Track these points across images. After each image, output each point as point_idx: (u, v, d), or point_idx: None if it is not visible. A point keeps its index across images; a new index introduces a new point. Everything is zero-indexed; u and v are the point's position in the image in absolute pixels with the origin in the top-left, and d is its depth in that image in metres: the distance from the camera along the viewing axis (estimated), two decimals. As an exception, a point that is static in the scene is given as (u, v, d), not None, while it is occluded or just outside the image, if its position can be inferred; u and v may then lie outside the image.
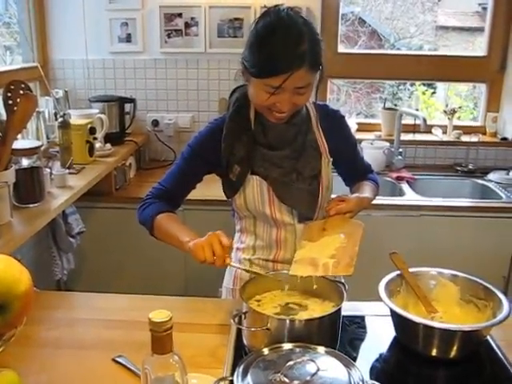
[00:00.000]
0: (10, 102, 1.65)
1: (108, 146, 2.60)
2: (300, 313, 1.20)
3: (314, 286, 1.24)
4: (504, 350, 1.20)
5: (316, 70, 1.31)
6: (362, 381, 0.94)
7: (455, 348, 1.14)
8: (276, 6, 1.32)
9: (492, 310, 1.20)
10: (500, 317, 1.13)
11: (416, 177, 2.86)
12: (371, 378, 1.08)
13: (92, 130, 2.40)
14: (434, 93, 3.85)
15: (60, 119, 2.22)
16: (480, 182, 2.86)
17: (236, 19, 2.88)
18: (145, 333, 0.84)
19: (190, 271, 2.59)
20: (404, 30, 4.03)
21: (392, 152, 2.93)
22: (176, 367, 0.84)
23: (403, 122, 2.95)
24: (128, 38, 2.97)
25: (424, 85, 3.73)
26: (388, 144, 2.94)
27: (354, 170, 1.64)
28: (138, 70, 3.02)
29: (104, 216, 2.61)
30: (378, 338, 1.27)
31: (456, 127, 3.07)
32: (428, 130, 3.04)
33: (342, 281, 1.28)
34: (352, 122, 3.02)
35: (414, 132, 3.03)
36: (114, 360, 1.15)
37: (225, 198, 1.51)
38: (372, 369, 1.15)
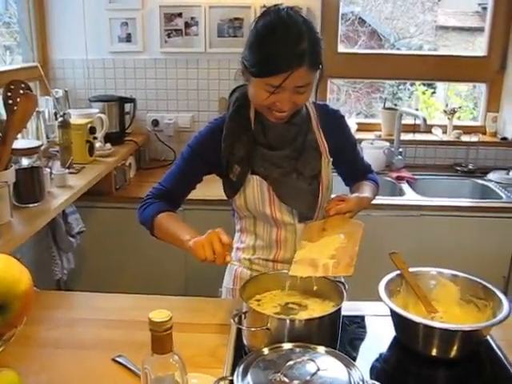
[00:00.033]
0: (10, 101, 1.65)
1: (108, 145, 2.60)
2: (300, 313, 1.20)
3: (315, 288, 1.23)
4: (504, 349, 1.20)
5: (316, 69, 1.31)
6: (362, 381, 0.94)
7: (455, 348, 1.14)
8: (276, 5, 1.32)
9: (492, 310, 1.20)
10: (500, 317, 1.13)
11: (416, 177, 2.87)
12: (371, 378, 1.08)
13: (92, 130, 2.40)
14: (433, 93, 3.85)
15: (60, 119, 2.22)
16: (480, 181, 2.86)
17: (236, 19, 2.88)
18: (145, 332, 0.84)
19: (190, 271, 2.59)
20: (404, 29, 4.03)
21: (392, 152, 2.93)
22: (176, 367, 0.84)
23: (403, 121, 2.95)
24: (128, 38, 2.97)
25: (424, 85, 3.73)
26: (388, 144, 2.94)
27: (353, 169, 1.64)
28: (138, 69, 3.02)
29: (104, 216, 2.61)
30: (378, 337, 1.27)
31: (456, 127, 3.07)
32: (428, 129, 3.04)
33: (342, 280, 1.28)
34: (352, 122, 3.02)
35: (414, 132, 3.03)
36: (113, 360, 1.15)
37: (225, 198, 1.51)
38: (372, 369, 1.15)
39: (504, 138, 3.01)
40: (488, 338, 1.22)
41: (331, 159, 1.49)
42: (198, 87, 3.02)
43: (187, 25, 2.91)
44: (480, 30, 3.35)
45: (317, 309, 1.21)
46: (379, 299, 1.20)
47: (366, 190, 1.56)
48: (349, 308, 1.25)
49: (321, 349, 1.03)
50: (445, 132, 3.09)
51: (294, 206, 1.45)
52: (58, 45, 3.00)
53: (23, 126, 1.78)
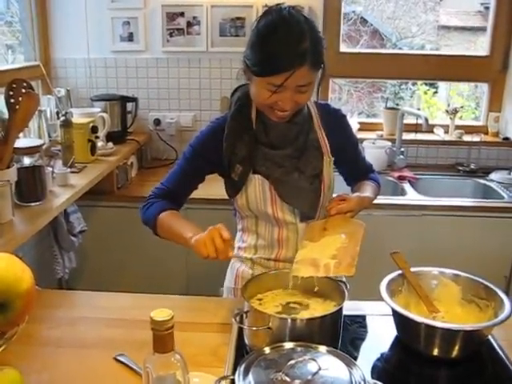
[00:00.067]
0: (12, 100, 1.66)
1: (110, 144, 2.60)
2: (301, 312, 1.20)
3: (316, 288, 1.24)
4: (506, 349, 1.20)
5: (318, 68, 1.31)
6: (364, 380, 0.94)
7: (457, 348, 1.14)
8: (278, 4, 1.32)
9: (493, 310, 1.20)
10: (501, 316, 1.13)
11: (418, 176, 2.86)
12: (372, 378, 1.08)
13: (94, 129, 2.40)
14: (435, 92, 3.85)
15: (62, 118, 2.23)
16: (482, 181, 2.86)
17: (238, 18, 2.88)
18: (146, 331, 0.84)
19: (192, 270, 2.59)
20: (406, 29, 4.03)
21: (394, 151, 2.93)
22: (177, 366, 0.84)
23: (405, 121, 2.94)
24: (130, 37, 2.97)
25: (426, 84, 3.73)
26: (390, 143, 2.94)
27: (355, 169, 1.64)
28: (140, 68, 3.02)
29: (106, 215, 2.62)
30: (380, 337, 1.27)
31: (458, 127, 3.07)
32: (430, 129, 3.03)
33: (344, 280, 1.28)
34: (354, 122, 3.02)
35: (415, 131, 3.02)
36: (115, 359, 1.15)
37: (227, 197, 1.51)
38: (373, 368, 1.15)
39: (506, 138, 3.01)
40: (489, 337, 1.22)
41: (333, 158, 1.49)
42: (200, 86, 3.02)
43: (189, 24, 2.91)
44: (482, 29, 3.35)
45: (318, 308, 1.21)
46: (381, 299, 1.20)
47: (368, 189, 1.56)
48: (350, 307, 1.25)
49: (322, 348, 1.03)
50: (447, 132, 3.09)
51: (296, 206, 1.45)
52: (60, 44, 3.00)
53: (25, 125, 1.78)
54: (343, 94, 3.92)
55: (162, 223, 1.41)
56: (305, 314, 1.18)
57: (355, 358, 1.12)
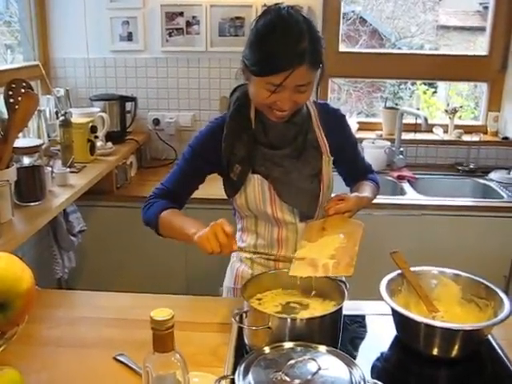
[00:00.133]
0: (12, 100, 1.66)
1: (109, 144, 2.60)
2: (301, 312, 1.20)
3: (313, 292, 1.24)
4: (505, 349, 1.20)
5: (317, 67, 1.31)
6: (363, 380, 0.94)
7: (456, 347, 1.14)
8: (276, 4, 1.32)
9: (493, 310, 1.20)
10: (501, 316, 1.13)
11: (417, 176, 2.86)
12: (372, 377, 1.08)
13: (93, 129, 2.40)
14: (435, 92, 3.85)
15: (61, 118, 2.23)
16: (481, 181, 2.86)
17: (237, 18, 2.88)
18: (146, 331, 0.84)
19: (191, 270, 2.58)
20: (405, 29, 4.03)
21: (393, 151, 2.93)
22: (177, 365, 0.84)
23: (404, 121, 2.95)
24: (129, 37, 2.97)
25: (425, 84, 3.73)
26: (389, 143, 2.94)
27: (354, 169, 1.63)
28: (139, 68, 3.02)
29: (105, 215, 2.62)
30: (379, 337, 1.27)
31: (457, 126, 3.07)
32: (429, 129, 3.04)
33: (343, 280, 1.28)
34: (353, 122, 3.02)
35: (415, 131, 3.02)
36: (115, 358, 1.15)
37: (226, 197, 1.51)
38: (373, 368, 1.15)
39: (505, 138, 3.01)
40: (489, 337, 1.22)
41: (332, 158, 1.49)
42: (199, 86, 3.01)
43: (188, 24, 2.91)
44: (481, 29, 3.35)
45: (318, 308, 1.21)
46: (380, 298, 1.20)
47: (366, 189, 1.55)
48: (350, 307, 1.25)
49: (322, 348, 1.03)
50: (446, 131, 3.09)
51: (295, 205, 1.45)
52: (59, 43, 3.00)
53: (24, 125, 1.78)
54: (342, 94, 3.92)
55: (164, 222, 1.41)
56: (304, 314, 1.18)
57: (355, 358, 1.12)
